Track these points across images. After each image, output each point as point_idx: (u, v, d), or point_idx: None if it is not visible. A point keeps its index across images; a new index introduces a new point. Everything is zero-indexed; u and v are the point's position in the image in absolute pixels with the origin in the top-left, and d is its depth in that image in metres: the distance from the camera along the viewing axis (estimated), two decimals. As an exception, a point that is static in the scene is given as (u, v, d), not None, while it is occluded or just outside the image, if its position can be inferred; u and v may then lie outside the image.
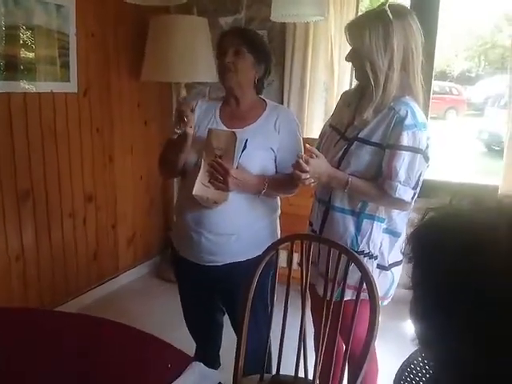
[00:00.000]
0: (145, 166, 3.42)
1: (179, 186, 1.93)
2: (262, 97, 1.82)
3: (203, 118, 1.75)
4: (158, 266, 3.57)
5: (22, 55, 2.51)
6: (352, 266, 1.42)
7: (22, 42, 2.50)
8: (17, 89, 2.49)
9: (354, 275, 1.46)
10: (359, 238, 1.58)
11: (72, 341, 1.35)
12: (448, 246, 0.58)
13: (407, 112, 1.46)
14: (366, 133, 1.53)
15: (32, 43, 2.55)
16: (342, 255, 1.44)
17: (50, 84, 2.67)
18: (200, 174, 1.65)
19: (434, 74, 2.95)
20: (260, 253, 1.55)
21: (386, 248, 1.60)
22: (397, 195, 1.48)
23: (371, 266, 1.58)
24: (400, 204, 1.53)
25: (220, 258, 1.72)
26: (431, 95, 2.91)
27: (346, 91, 1.85)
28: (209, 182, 1.64)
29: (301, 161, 1.47)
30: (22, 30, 2.49)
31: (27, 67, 2.54)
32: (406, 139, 1.46)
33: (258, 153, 1.69)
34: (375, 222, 1.58)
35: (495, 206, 0.60)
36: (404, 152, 1.46)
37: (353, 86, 1.84)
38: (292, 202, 1.91)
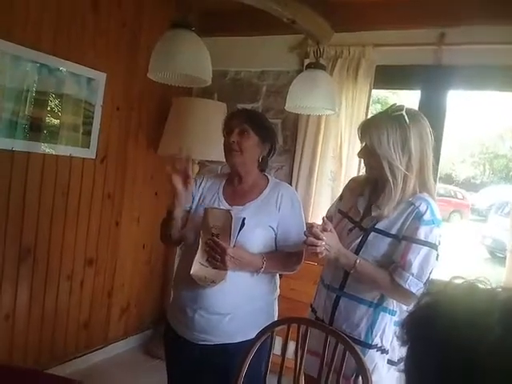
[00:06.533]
0: (149, 236, 3.44)
1: (179, 260, 1.93)
2: (265, 174, 1.85)
3: (207, 195, 1.79)
4: (149, 340, 3.46)
5: (47, 120, 2.66)
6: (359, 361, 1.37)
7: (49, 107, 2.66)
8: (37, 150, 2.60)
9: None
10: (374, 331, 1.53)
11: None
12: (441, 331, 0.59)
13: (427, 208, 1.48)
14: (384, 225, 1.53)
15: (59, 110, 2.70)
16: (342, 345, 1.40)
17: (70, 148, 2.79)
18: (198, 254, 1.65)
19: (439, 176, 3.04)
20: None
21: (397, 342, 1.56)
22: (407, 286, 1.45)
23: (382, 360, 1.53)
24: (406, 296, 1.48)
25: (213, 337, 1.68)
26: (435, 196, 2.97)
27: (355, 178, 1.87)
28: (206, 260, 1.64)
29: (316, 229, 1.47)
30: (51, 97, 2.66)
31: (50, 131, 2.67)
32: (423, 234, 1.46)
33: (258, 230, 1.69)
34: (389, 315, 1.54)
35: (488, 294, 0.62)
36: (421, 246, 1.46)
37: (361, 174, 1.87)
38: (293, 287, 1.87)
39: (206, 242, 1.64)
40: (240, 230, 1.65)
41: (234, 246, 1.64)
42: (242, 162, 1.74)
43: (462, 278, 0.66)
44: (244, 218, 1.66)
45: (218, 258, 1.60)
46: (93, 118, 2.88)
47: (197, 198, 1.80)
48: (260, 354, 1.53)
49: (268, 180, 1.81)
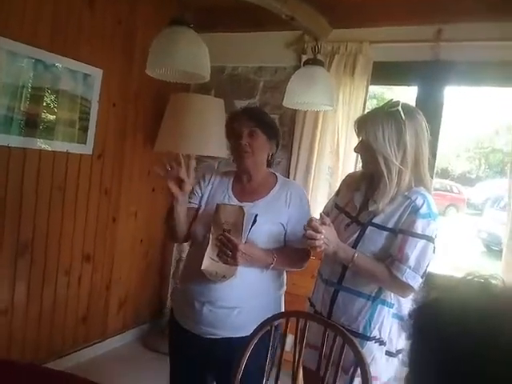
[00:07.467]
0: (146, 231, 3.46)
1: (187, 254, 1.94)
2: (272, 171, 1.87)
3: (216, 192, 1.80)
4: (147, 334, 3.49)
5: (43, 116, 2.64)
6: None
7: (45, 103, 2.65)
8: (33, 146, 2.59)
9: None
10: (372, 323, 1.55)
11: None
12: (451, 331, 0.58)
13: (423, 202, 1.50)
14: (381, 219, 1.55)
15: (55, 106, 2.69)
16: (340, 338, 1.42)
17: (66, 144, 2.78)
18: (208, 249, 1.66)
19: (435, 171, 3.05)
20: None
21: (395, 333, 1.58)
22: (404, 279, 1.47)
23: (380, 352, 1.56)
24: (403, 288, 1.51)
25: (219, 331, 1.69)
26: (432, 191, 2.98)
27: (351, 174, 1.89)
28: (217, 256, 1.65)
29: (315, 223, 1.49)
30: (47, 93, 2.64)
31: (46, 127, 2.66)
32: (420, 227, 1.48)
33: (268, 227, 1.70)
34: (387, 308, 1.57)
35: (501, 295, 0.61)
36: (417, 239, 1.48)
37: (358, 169, 1.88)
38: (295, 282, 1.89)
39: (218, 238, 1.65)
40: (252, 226, 1.67)
41: (246, 242, 1.65)
42: (253, 163, 1.76)
43: (475, 275, 0.64)
44: (256, 215, 1.68)
45: (229, 254, 1.61)
46: (89, 114, 2.87)
47: (206, 195, 1.80)
48: (261, 348, 1.53)
49: (276, 178, 1.83)
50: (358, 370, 1.36)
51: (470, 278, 0.64)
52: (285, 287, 1.85)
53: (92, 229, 3.03)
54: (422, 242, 1.48)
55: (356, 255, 1.52)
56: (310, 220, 1.51)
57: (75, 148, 2.83)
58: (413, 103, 2.89)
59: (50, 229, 2.75)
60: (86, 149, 2.90)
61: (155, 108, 3.32)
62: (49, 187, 2.71)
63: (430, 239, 1.49)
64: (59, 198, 2.78)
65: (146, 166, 3.38)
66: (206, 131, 3.02)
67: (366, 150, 1.58)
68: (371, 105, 3.73)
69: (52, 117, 2.70)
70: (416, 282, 1.48)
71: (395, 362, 1.59)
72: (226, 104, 3.17)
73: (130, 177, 3.26)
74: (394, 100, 1.57)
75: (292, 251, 1.74)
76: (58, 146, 2.73)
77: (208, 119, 3.04)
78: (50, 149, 2.68)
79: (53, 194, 2.74)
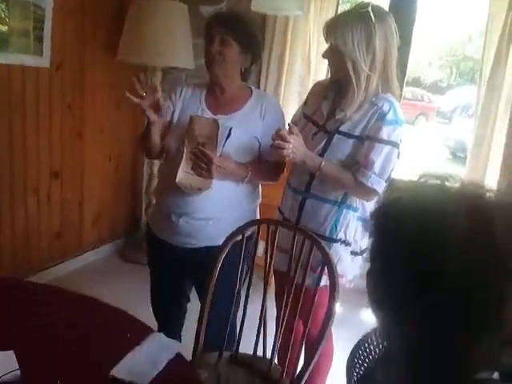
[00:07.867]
0: (115, 147, 3.40)
1: (159, 169, 1.93)
2: (247, 84, 1.82)
3: (189, 105, 1.75)
4: (123, 247, 3.57)
5: (-5, 27, 2.45)
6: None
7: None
8: (-15, 59, 2.42)
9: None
10: (338, 226, 1.62)
11: (31, 310, 1.35)
12: (409, 229, 0.61)
13: (390, 108, 1.51)
14: (348, 127, 1.56)
15: (6, 15, 2.48)
16: (308, 241, 1.48)
17: (22, 56, 2.60)
18: (183, 162, 1.65)
19: (407, 80, 3.03)
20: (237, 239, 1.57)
21: (359, 235, 1.66)
22: (369, 184, 1.52)
23: (346, 252, 1.65)
24: (368, 193, 1.57)
25: (197, 241, 1.73)
26: (402, 100, 2.98)
27: (319, 83, 1.87)
28: (192, 169, 1.65)
29: (283, 132, 1.50)
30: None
31: (-1, 38, 2.47)
32: (386, 133, 1.50)
33: (243, 140, 1.69)
34: (352, 212, 1.63)
35: (456, 193, 0.63)
36: (383, 145, 1.51)
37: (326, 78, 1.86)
38: (266, 194, 1.94)
39: (192, 151, 1.63)
40: (226, 139, 1.65)
41: (220, 155, 1.64)
42: (224, 73, 1.69)
43: (432, 175, 0.66)
44: (231, 128, 1.66)
45: (203, 167, 1.61)
46: (43, 23, 2.66)
47: (178, 109, 1.75)
48: (236, 254, 1.57)
49: (251, 91, 1.79)
50: (326, 269, 1.44)
51: (427, 178, 0.66)
52: (260, 199, 1.89)
53: (57, 146, 2.94)
54: (387, 148, 1.51)
55: (323, 163, 1.55)
56: (278, 130, 1.51)
57: (32, 60, 2.65)
58: (386, 8, 2.79)
59: (14, 147, 2.66)
60: (43, 61, 2.72)
61: (115, 15, 3.11)
62: (6, 103, 2.57)
63: (394, 145, 1.52)
64: (19, 114, 2.65)
65: (109, 78, 3.22)
66: (171, 40, 2.87)
67: (334, 54, 1.55)
68: (344, 8, 3.58)
69: (4, 27, 2.49)
70: (380, 186, 1.53)
71: (359, 261, 1.70)
72: (191, 10, 2.98)
73: (93, 90, 3.11)
74: (364, 1, 1.52)
75: (267, 164, 1.75)
76: (13, 58, 2.55)
77: (172, 27, 2.87)
78: (4, 62, 2.50)
79: (12, 110, 2.61)
